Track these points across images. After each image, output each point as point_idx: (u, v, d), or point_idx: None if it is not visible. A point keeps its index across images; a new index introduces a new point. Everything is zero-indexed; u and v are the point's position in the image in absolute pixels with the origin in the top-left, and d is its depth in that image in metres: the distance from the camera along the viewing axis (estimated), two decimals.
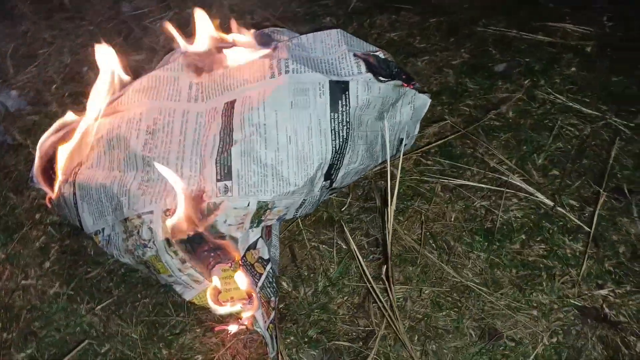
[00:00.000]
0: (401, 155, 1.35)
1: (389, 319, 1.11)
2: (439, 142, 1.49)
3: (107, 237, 1.09)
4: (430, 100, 1.31)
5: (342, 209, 1.37)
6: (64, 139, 1.16)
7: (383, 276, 1.07)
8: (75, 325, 1.17)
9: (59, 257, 1.28)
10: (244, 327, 1.09)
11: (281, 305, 1.20)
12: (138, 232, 1.03)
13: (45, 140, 1.17)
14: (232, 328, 1.11)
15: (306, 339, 1.16)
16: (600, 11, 1.84)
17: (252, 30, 1.29)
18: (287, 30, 1.40)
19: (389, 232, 1.02)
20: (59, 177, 1.14)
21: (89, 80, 1.63)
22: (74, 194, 1.12)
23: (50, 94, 1.60)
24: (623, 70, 1.66)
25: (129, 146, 1.10)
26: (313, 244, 1.30)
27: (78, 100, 1.58)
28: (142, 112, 1.12)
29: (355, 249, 1.07)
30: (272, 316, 1.08)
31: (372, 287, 1.10)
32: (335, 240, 1.30)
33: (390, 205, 1.00)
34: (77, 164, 1.14)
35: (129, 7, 1.87)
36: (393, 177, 1.21)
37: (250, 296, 1.03)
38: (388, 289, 1.07)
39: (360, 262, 1.13)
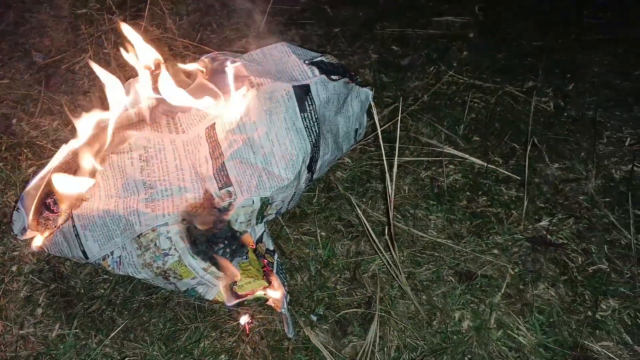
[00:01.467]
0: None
1: (393, 274, 1.26)
2: (376, 132, 1.66)
3: (117, 259, 1.12)
4: (372, 93, 1.49)
5: (312, 202, 1.49)
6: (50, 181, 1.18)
7: (386, 237, 1.21)
8: (90, 359, 1.17)
9: (50, 302, 1.26)
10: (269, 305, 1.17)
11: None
12: (155, 244, 1.08)
13: (30, 189, 1.18)
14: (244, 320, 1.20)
15: (316, 317, 1.26)
16: (471, 2, 2.16)
17: (203, 58, 1.39)
18: (228, 52, 1.51)
19: (390, 197, 1.17)
20: (60, 212, 1.15)
21: (22, 132, 1.61)
22: (74, 226, 1.14)
23: None
24: (503, 48, 1.98)
25: (126, 173, 1.15)
26: (296, 236, 1.41)
27: (16, 153, 1.55)
28: (129, 143, 1.18)
29: (365, 221, 1.21)
30: (287, 299, 1.17)
31: (378, 247, 1.23)
32: (317, 230, 1.42)
33: (394, 169, 1.14)
34: (75, 199, 1.15)
35: (40, 56, 1.85)
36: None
37: (270, 282, 1.12)
38: (391, 246, 1.21)
39: (369, 231, 1.26)
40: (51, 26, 1.93)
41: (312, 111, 1.26)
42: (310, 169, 1.27)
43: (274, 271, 1.15)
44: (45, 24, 1.95)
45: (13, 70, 1.79)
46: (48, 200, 1.17)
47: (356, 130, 1.46)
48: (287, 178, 1.18)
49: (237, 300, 1.15)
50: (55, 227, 1.16)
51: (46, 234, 1.19)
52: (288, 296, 1.20)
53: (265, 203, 1.16)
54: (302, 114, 1.25)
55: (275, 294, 1.14)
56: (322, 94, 1.29)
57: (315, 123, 1.26)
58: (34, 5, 2.00)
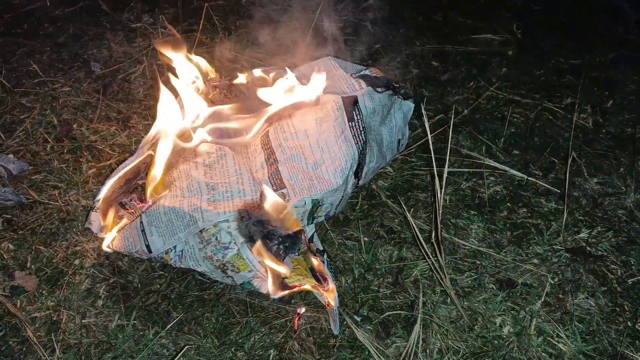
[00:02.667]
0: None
1: (437, 277, 1.30)
2: (419, 142, 1.72)
3: (180, 252, 1.19)
4: (413, 105, 1.55)
5: (355, 208, 1.55)
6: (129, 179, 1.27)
7: (433, 241, 1.26)
8: (148, 349, 1.24)
9: (110, 294, 1.34)
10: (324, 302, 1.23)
11: None
12: (216, 238, 1.15)
13: (109, 188, 1.26)
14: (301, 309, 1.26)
15: (360, 317, 1.31)
16: (509, 21, 2.21)
17: (263, 71, 1.47)
18: (277, 67, 1.58)
19: (438, 203, 1.22)
20: (135, 210, 1.24)
21: (82, 136, 1.71)
22: (141, 222, 1.22)
23: (46, 154, 1.65)
24: (541, 65, 2.02)
25: (190, 175, 1.23)
26: (339, 240, 1.47)
27: (77, 156, 1.65)
28: (194, 149, 1.28)
29: (414, 225, 1.27)
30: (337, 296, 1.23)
31: (425, 251, 1.28)
32: (360, 235, 1.48)
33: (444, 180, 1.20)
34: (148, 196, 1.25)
35: (99, 66, 1.96)
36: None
37: (324, 279, 1.18)
38: (437, 251, 1.26)
39: (417, 234, 1.32)
40: (108, 38, 2.04)
41: (360, 120, 1.32)
42: (357, 175, 1.33)
43: (324, 267, 1.21)
44: (103, 36, 2.06)
45: (73, 79, 1.90)
46: (124, 199, 1.25)
47: (399, 140, 1.52)
48: (336, 182, 1.24)
49: (283, 293, 1.20)
50: (126, 224, 1.24)
51: (115, 230, 1.27)
52: (337, 294, 1.25)
53: (316, 204, 1.23)
54: (350, 123, 1.31)
55: (327, 289, 1.20)
56: (368, 104, 1.36)
57: (362, 132, 1.32)
58: (93, 18, 2.12)
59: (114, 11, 2.15)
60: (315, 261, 1.19)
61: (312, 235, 1.27)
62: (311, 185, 1.22)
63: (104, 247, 1.32)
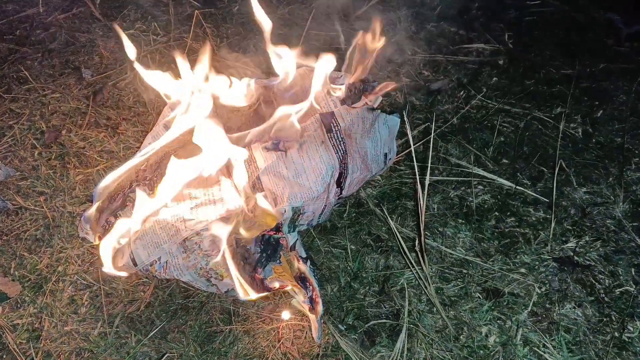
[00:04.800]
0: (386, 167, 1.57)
1: (423, 285, 1.30)
2: (406, 151, 1.72)
3: (164, 263, 1.18)
4: (399, 120, 1.54)
5: (343, 216, 1.54)
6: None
7: (416, 249, 1.26)
8: (130, 356, 1.23)
9: (93, 302, 1.33)
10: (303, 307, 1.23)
11: None
12: (199, 247, 1.15)
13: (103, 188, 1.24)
14: (285, 315, 1.25)
15: (345, 326, 1.30)
16: (501, 32, 2.22)
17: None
18: (263, 79, 1.57)
19: (421, 210, 1.21)
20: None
21: (70, 142, 1.70)
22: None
23: (34, 159, 1.65)
24: (531, 75, 2.03)
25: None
26: (326, 248, 1.46)
27: (65, 162, 1.64)
28: None
29: (398, 234, 1.26)
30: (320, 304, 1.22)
31: (409, 260, 1.28)
32: (347, 243, 1.47)
33: (426, 186, 1.19)
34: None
35: (90, 72, 1.96)
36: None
37: (308, 286, 1.18)
38: (421, 259, 1.25)
39: (400, 243, 1.31)
40: (100, 45, 2.04)
41: (338, 131, 1.33)
42: (339, 184, 1.32)
43: (309, 275, 1.21)
44: (94, 43, 2.06)
45: (63, 86, 1.90)
46: (109, 218, 1.24)
47: (385, 154, 1.52)
48: (317, 190, 1.24)
49: (261, 294, 1.19)
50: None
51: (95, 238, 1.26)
52: (321, 301, 1.24)
53: (297, 212, 1.22)
54: (328, 134, 1.32)
55: (311, 296, 1.19)
56: (346, 117, 1.37)
57: (342, 142, 1.32)
58: (85, 25, 2.12)
59: (107, 18, 2.15)
60: (300, 266, 1.18)
61: (295, 243, 1.26)
62: (292, 194, 1.22)
63: (107, 270, 1.26)
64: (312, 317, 1.22)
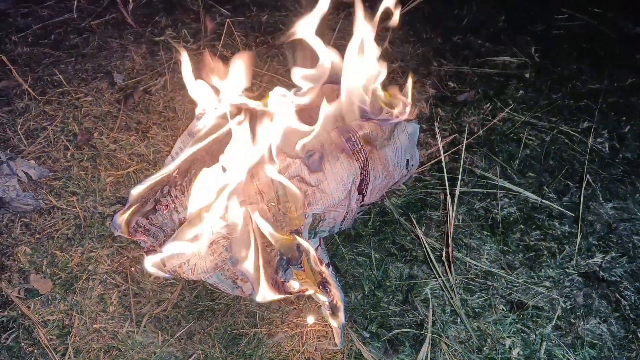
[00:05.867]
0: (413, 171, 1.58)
1: (448, 296, 1.30)
2: (432, 161, 1.72)
3: (193, 266, 1.21)
4: (419, 127, 1.55)
5: (367, 225, 1.55)
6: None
7: (444, 259, 1.26)
8: (156, 356, 1.25)
9: (121, 301, 1.36)
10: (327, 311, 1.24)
11: None
12: (226, 249, 1.17)
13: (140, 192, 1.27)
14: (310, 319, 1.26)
15: (369, 334, 1.31)
16: (528, 45, 2.22)
17: None
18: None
19: (450, 220, 1.22)
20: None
21: (102, 145, 1.74)
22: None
23: (66, 160, 1.69)
24: (558, 89, 2.02)
25: None
26: (350, 256, 1.47)
27: (96, 163, 1.68)
28: None
29: (425, 243, 1.26)
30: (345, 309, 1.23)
31: (436, 270, 1.28)
32: (371, 251, 1.48)
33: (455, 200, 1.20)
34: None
35: (121, 77, 2.01)
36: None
37: (327, 286, 1.19)
38: (448, 269, 1.26)
39: (428, 253, 1.32)
40: (132, 50, 2.09)
41: (357, 140, 1.34)
42: (361, 191, 1.33)
43: (330, 279, 1.22)
44: (126, 49, 2.11)
45: (95, 89, 1.94)
46: (139, 220, 1.26)
47: (407, 161, 1.52)
48: (338, 197, 1.25)
49: (279, 296, 1.21)
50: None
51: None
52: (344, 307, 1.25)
53: (317, 219, 1.24)
54: (348, 143, 1.33)
55: (334, 300, 1.20)
56: (364, 126, 1.38)
57: (362, 149, 1.34)
58: (117, 31, 2.18)
59: (139, 25, 2.20)
60: (322, 269, 1.20)
61: (317, 249, 1.27)
62: (313, 199, 1.24)
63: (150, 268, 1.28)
64: (333, 323, 1.23)
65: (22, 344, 1.26)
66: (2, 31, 2.17)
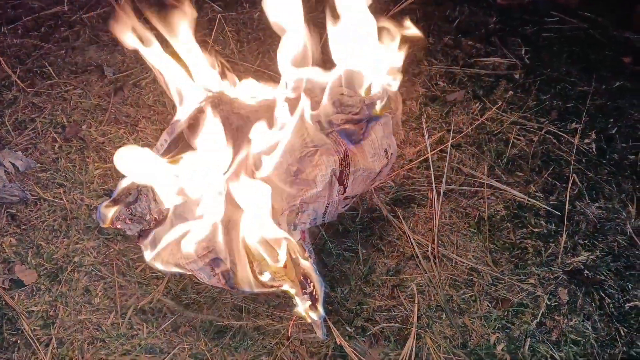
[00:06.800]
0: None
1: (433, 292, 1.31)
2: (420, 159, 1.73)
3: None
4: (389, 116, 1.55)
5: (355, 220, 1.56)
6: None
7: (430, 255, 1.27)
8: (141, 347, 1.25)
9: (106, 293, 1.35)
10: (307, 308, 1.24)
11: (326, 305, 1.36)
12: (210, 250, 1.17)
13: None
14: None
15: (354, 328, 1.31)
16: (518, 46, 2.23)
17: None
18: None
19: (435, 216, 1.23)
20: None
21: (90, 137, 1.74)
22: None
23: (54, 152, 1.68)
24: (547, 90, 2.04)
25: None
26: (338, 251, 1.48)
27: (84, 156, 1.68)
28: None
29: (412, 239, 1.27)
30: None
31: (422, 266, 1.29)
32: (358, 247, 1.48)
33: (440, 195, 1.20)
34: None
35: (112, 70, 2.00)
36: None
37: (305, 278, 1.19)
38: (434, 265, 1.26)
39: (414, 247, 1.32)
40: (122, 44, 2.08)
41: (334, 132, 1.35)
42: (342, 182, 1.34)
43: (311, 271, 1.22)
44: (117, 42, 2.10)
45: (85, 82, 1.94)
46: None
47: (385, 150, 1.52)
48: (316, 187, 1.26)
49: (259, 291, 1.21)
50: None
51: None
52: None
53: (295, 210, 1.24)
54: (327, 136, 1.34)
55: (314, 292, 1.20)
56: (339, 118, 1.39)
57: (339, 142, 1.34)
58: (108, 24, 2.17)
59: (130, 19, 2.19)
60: (306, 263, 1.20)
61: (299, 240, 1.27)
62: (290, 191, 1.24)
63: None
64: (312, 315, 1.23)
65: (5, 334, 1.26)
66: None
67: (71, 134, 1.74)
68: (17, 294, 1.33)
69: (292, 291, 1.23)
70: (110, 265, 1.40)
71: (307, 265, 1.20)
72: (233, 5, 2.27)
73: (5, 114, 1.78)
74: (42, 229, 1.47)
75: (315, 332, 1.26)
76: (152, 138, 1.73)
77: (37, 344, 1.23)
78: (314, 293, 1.22)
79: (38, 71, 1.96)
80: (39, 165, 1.64)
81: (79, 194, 1.56)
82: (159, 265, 1.20)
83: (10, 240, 1.44)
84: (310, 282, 1.21)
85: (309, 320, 1.24)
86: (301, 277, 1.24)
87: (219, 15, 2.13)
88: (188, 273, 1.23)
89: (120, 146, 1.70)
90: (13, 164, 1.60)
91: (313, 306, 1.23)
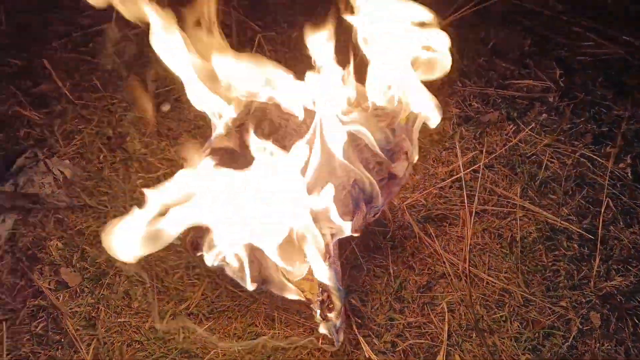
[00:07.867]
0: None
1: (464, 311, 1.32)
2: (452, 178, 1.75)
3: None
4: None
5: (386, 237, 1.58)
6: None
7: (461, 274, 1.29)
8: (176, 351, 1.29)
9: (146, 297, 1.41)
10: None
11: (355, 318, 1.38)
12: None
13: None
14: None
15: (383, 343, 1.33)
16: (552, 69, 2.24)
17: None
18: None
19: (468, 236, 1.25)
20: None
21: (134, 148, 1.81)
22: None
23: (99, 162, 1.76)
24: (581, 113, 2.04)
25: None
26: (368, 266, 1.50)
27: (128, 166, 1.75)
28: None
29: (445, 257, 1.29)
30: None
31: (453, 285, 1.31)
32: (389, 263, 1.51)
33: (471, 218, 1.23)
34: None
35: (154, 85, 2.08)
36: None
37: (325, 293, 1.22)
38: (465, 285, 1.28)
39: (446, 266, 1.34)
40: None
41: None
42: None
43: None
44: (160, 59, 2.19)
45: (130, 96, 2.02)
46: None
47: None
48: None
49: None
50: None
51: None
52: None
53: None
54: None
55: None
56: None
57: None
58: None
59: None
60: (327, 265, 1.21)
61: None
62: None
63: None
64: (323, 324, 1.25)
65: (50, 333, 1.32)
66: (43, 37, 2.27)
67: (116, 145, 1.82)
68: (62, 295, 1.40)
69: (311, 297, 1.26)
70: (150, 271, 1.46)
71: (329, 271, 1.21)
72: (272, 26, 2.35)
73: (55, 124, 1.87)
74: (87, 234, 1.54)
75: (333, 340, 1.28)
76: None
77: (80, 343, 1.29)
78: (328, 302, 1.24)
79: (86, 85, 2.05)
80: (85, 173, 1.71)
81: (122, 202, 1.63)
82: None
83: (57, 244, 1.51)
84: (325, 291, 1.23)
85: (321, 330, 1.26)
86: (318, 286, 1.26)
87: (259, 35, 2.20)
88: None
89: (162, 158, 1.77)
90: (61, 172, 1.68)
91: (329, 315, 1.24)
